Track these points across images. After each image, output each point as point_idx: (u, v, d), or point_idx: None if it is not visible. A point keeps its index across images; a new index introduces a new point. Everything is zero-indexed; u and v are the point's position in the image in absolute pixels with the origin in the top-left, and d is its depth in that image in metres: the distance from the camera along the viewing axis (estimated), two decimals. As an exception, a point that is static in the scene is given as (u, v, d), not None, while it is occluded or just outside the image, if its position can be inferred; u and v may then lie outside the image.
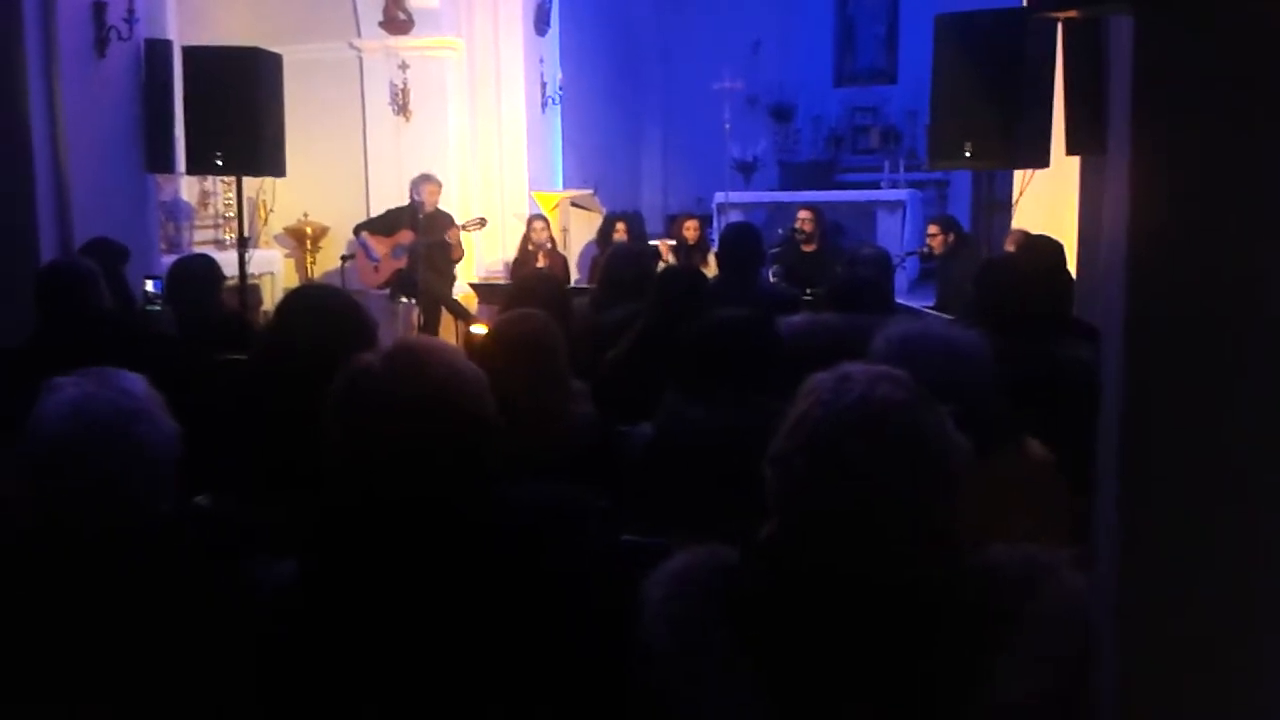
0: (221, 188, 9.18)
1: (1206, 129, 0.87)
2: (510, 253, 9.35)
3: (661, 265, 7.63)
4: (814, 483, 1.33)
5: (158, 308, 4.44)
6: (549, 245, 8.36)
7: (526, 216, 9.13)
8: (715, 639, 1.39)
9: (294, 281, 10.01)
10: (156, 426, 1.62)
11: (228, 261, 6.19)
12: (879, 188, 12.25)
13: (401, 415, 1.62)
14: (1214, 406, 0.92)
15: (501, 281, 8.89)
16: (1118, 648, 1.01)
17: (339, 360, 1.79)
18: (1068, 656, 1.31)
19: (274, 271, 9.71)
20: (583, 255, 9.24)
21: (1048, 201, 6.49)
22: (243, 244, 6.73)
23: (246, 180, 6.66)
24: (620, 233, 8.46)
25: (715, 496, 1.54)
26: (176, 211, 8.47)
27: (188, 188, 8.84)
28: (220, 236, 9.26)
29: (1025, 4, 5.28)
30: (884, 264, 4.18)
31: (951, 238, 7.47)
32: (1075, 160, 5.38)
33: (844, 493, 1.31)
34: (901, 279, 8.63)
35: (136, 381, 1.67)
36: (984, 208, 9.77)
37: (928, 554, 1.33)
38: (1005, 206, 6.56)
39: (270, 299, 9.50)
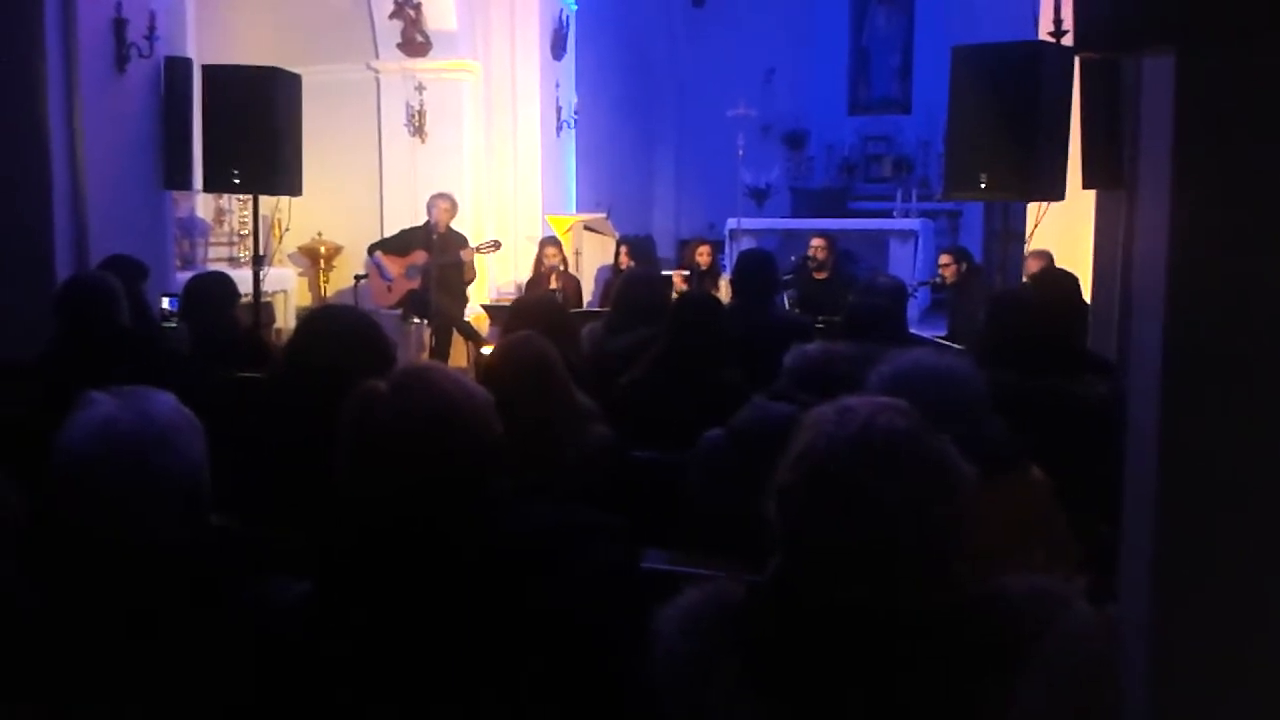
0: (237, 205, 9.23)
1: (1248, 165, 0.87)
2: (523, 275, 9.38)
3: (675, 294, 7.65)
4: (819, 515, 1.32)
5: (173, 325, 4.45)
6: (561, 268, 8.38)
7: (539, 239, 9.16)
8: (722, 676, 1.38)
9: (307, 300, 10.05)
10: (177, 453, 1.62)
11: (242, 279, 6.21)
12: (891, 217, 12.27)
13: (410, 439, 1.63)
14: (1253, 439, 0.91)
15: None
16: (1149, 675, 1.00)
17: (357, 381, 1.79)
18: (1082, 687, 1.30)
19: (287, 290, 9.75)
20: (598, 278, 9.27)
21: (1061, 234, 6.49)
22: (258, 262, 6.76)
23: (262, 198, 6.70)
24: (624, 257, 8.51)
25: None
26: (192, 228, 8.52)
27: (203, 205, 8.90)
28: (235, 254, 9.30)
29: (1053, 39, 5.30)
30: (899, 294, 4.17)
31: (964, 268, 7.47)
32: (1089, 193, 5.39)
33: (850, 524, 1.30)
34: (913, 308, 8.61)
35: (165, 404, 1.67)
36: (998, 239, 9.77)
37: (936, 584, 1.32)
38: (1019, 238, 6.56)
39: (283, 317, 9.55)
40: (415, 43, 9.67)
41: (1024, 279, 6.29)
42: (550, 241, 8.62)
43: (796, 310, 6.98)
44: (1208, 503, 0.95)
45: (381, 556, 1.68)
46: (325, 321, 2.78)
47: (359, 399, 1.69)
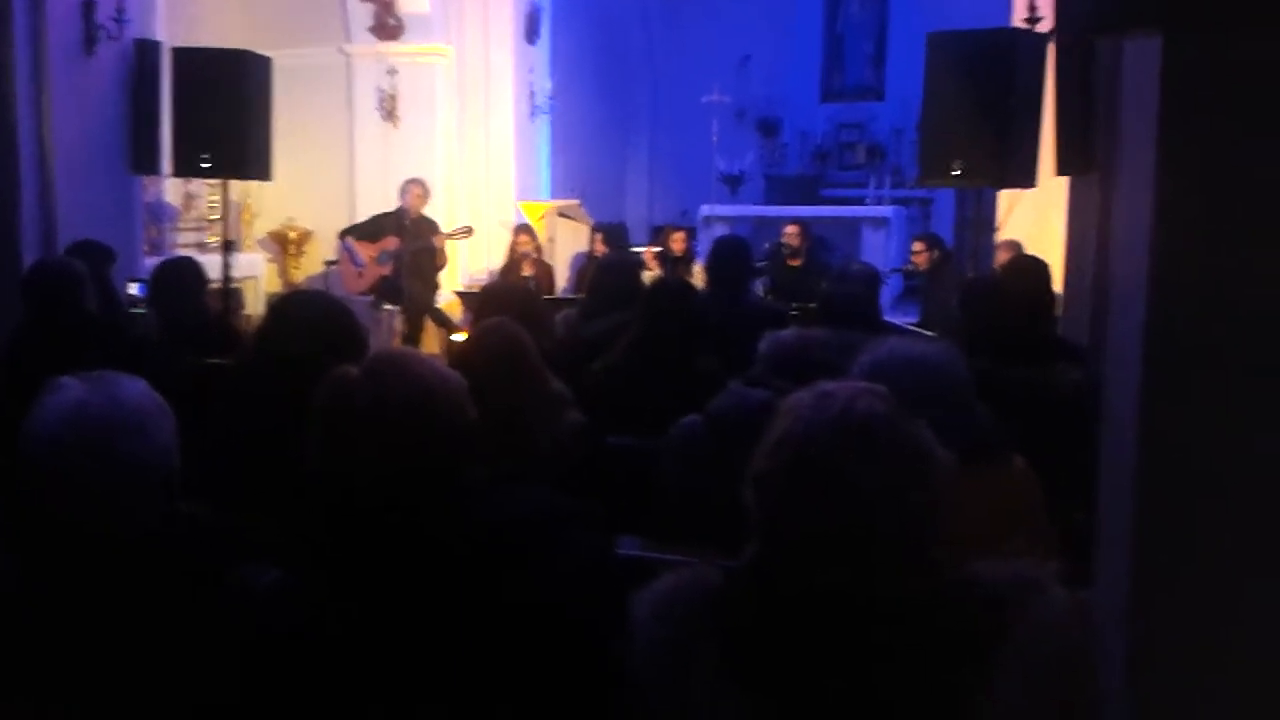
0: (206, 190, 9.13)
1: (1233, 147, 0.87)
2: (495, 261, 9.34)
3: (647, 274, 7.64)
4: (797, 500, 1.32)
5: (141, 311, 4.40)
6: (534, 255, 8.36)
7: (512, 225, 9.12)
8: (701, 662, 1.38)
9: (277, 286, 9.96)
10: (147, 438, 1.60)
11: (211, 265, 6.14)
12: (864, 204, 12.30)
13: (382, 425, 1.62)
14: (1232, 427, 0.91)
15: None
16: (1128, 662, 1.00)
17: (329, 367, 1.77)
18: (1057, 670, 1.31)
19: (257, 276, 9.65)
20: (572, 265, 9.24)
21: (1033, 221, 6.53)
22: (227, 248, 6.69)
23: (232, 183, 6.62)
24: (598, 244, 8.50)
25: None
26: (160, 213, 8.41)
27: (172, 189, 8.79)
28: (203, 239, 9.20)
29: (1027, 26, 5.31)
30: (872, 281, 4.19)
31: (936, 255, 7.50)
32: (1061, 180, 5.41)
33: (829, 509, 1.30)
34: (885, 295, 8.65)
35: (135, 389, 1.65)
36: (969, 226, 9.81)
37: (915, 569, 1.33)
38: (990, 225, 6.60)
39: (253, 303, 9.45)
40: (387, 26, 9.58)
41: (995, 266, 6.33)
42: (523, 229, 8.59)
43: (770, 297, 6.98)
44: (1186, 490, 0.95)
45: (356, 545, 1.67)
46: (296, 307, 2.75)
47: (331, 385, 1.67)
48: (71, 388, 1.61)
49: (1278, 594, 0.94)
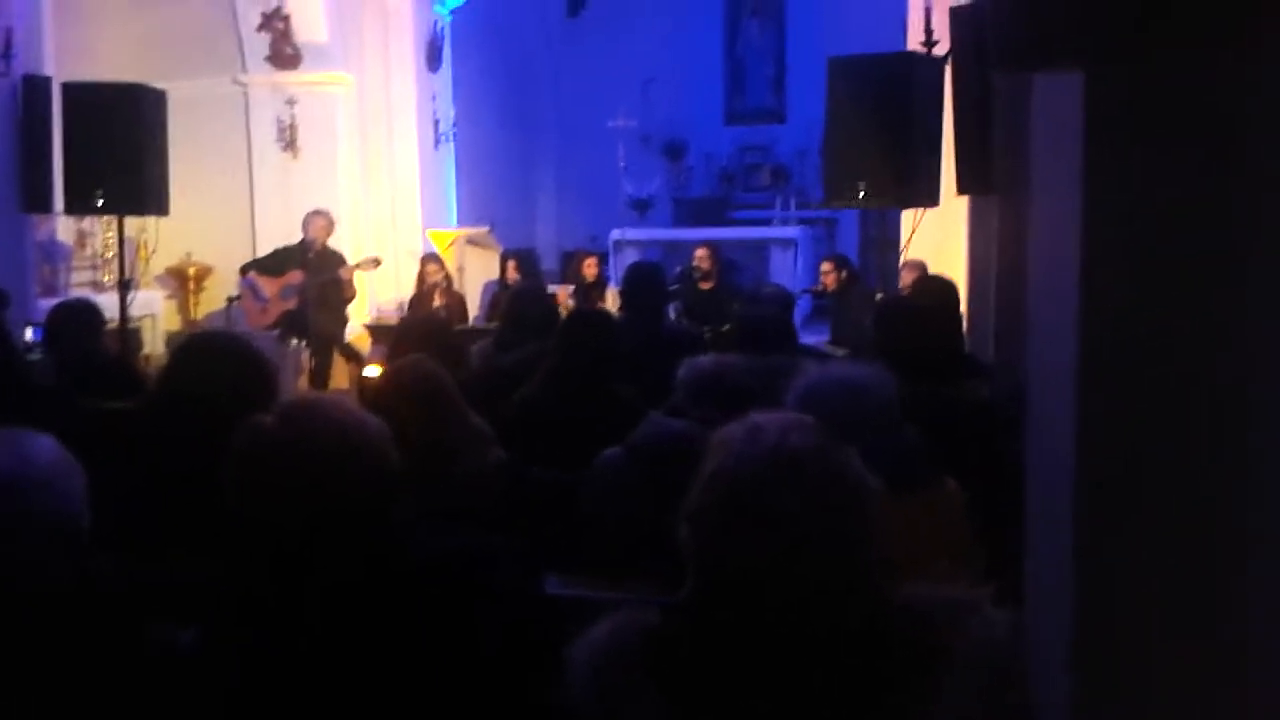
0: (100, 227, 8.85)
1: (1152, 174, 0.90)
2: (405, 292, 9.22)
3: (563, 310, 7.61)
4: (732, 536, 1.31)
5: (38, 356, 4.23)
6: (445, 284, 8.27)
7: (421, 255, 9.02)
8: (642, 707, 1.36)
9: (176, 324, 9.69)
10: (57, 497, 1.53)
11: (107, 304, 5.95)
12: (770, 225, 12.47)
13: (301, 474, 1.58)
14: (1170, 438, 0.93)
15: (396, 322, 8.74)
16: (1076, 686, 1.02)
17: (240, 410, 1.73)
18: (998, 691, 1.32)
19: (155, 314, 9.38)
20: (483, 294, 9.16)
21: (936, 240, 6.69)
22: (124, 286, 6.49)
23: (128, 219, 6.44)
24: (511, 271, 8.43)
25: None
26: (53, 253, 8.14)
27: (64, 227, 8.51)
28: (99, 278, 8.92)
29: (924, 50, 5.45)
30: (786, 303, 4.24)
31: (844, 275, 7.63)
32: (962, 200, 5.56)
33: (763, 544, 1.30)
34: (795, 315, 8.76)
35: (43, 447, 1.58)
36: (874, 245, 9.99)
37: (851, 600, 1.33)
38: (895, 244, 6.74)
39: (152, 343, 9.18)
40: (285, 55, 9.42)
41: (900, 287, 6.46)
42: (432, 258, 8.50)
43: (684, 321, 7.02)
44: (1126, 509, 0.97)
45: (278, 593, 1.62)
46: (201, 348, 2.67)
47: (245, 434, 1.63)
48: (-27, 446, 1.54)
49: (1219, 607, 0.97)
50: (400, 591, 1.62)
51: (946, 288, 4.57)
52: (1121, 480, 0.95)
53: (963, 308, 5.14)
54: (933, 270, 6.37)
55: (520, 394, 3.57)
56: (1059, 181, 0.99)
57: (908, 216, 6.09)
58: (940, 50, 5.35)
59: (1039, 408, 1.20)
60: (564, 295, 8.30)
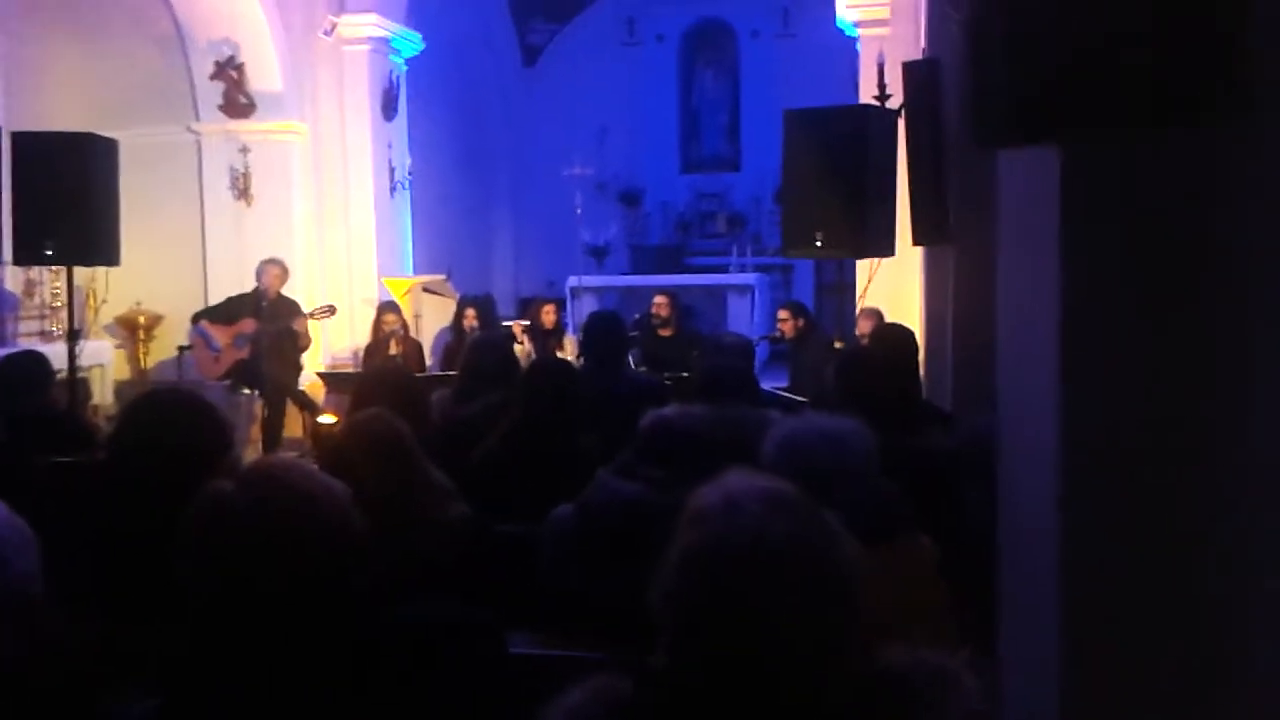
0: (49, 276, 8.70)
1: (1129, 249, 0.91)
2: (360, 340, 9.14)
3: (518, 348, 7.57)
4: (708, 622, 1.29)
5: (-17, 410, 4.14)
6: (402, 333, 8.21)
7: (376, 303, 8.96)
8: None
9: (126, 374, 9.53)
10: (7, 568, 1.48)
11: (55, 354, 5.85)
12: (727, 271, 12.55)
13: (262, 543, 1.54)
14: (1153, 512, 0.93)
15: (351, 370, 8.66)
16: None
17: (195, 468, 1.69)
18: None
19: (104, 363, 9.20)
20: (436, 342, 9.11)
21: (891, 288, 6.77)
22: (73, 336, 6.37)
23: (77, 268, 6.34)
24: (470, 318, 8.35)
25: (641, 577, 1.49)
26: (0, 302, 7.98)
27: (11, 277, 8.36)
28: (47, 327, 8.76)
29: (877, 103, 5.53)
30: (748, 352, 4.25)
31: (802, 323, 7.68)
32: (917, 249, 5.63)
33: (741, 633, 1.27)
34: (755, 362, 8.80)
35: (-7, 514, 1.53)
36: (829, 291, 10.04)
37: (831, 672, 1.30)
38: (851, 289, 6.80)
39: (100, 393, 9.00)
40: (238, 104, 9.39)
41: (857, 334, 6.51)
42: (389, 307, 8.44)
43: (643, 369, 7.01)
44: (1110, 574, 0.97)
45: (236, 663, 1.57)
46: (153, 405, 2.61)
47: (204, 503, 1.58)
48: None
49: (1217, 681, 0.96)
50: (362, 663, 1.58)
51: (905, 336, 4.60)
52: (1106, 555, 0.95)
53: (920, 355, 5.19)
54: (889, 318, 6.44)
55: (481, 446, 3.53)
56: (1031, 250, 1.00)
57: (864, 264, 6.16)
58: (893, 103, 5.44)
59: (1012, 475, 1.20)
60: (518, 330, 8.26)
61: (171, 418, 2.48)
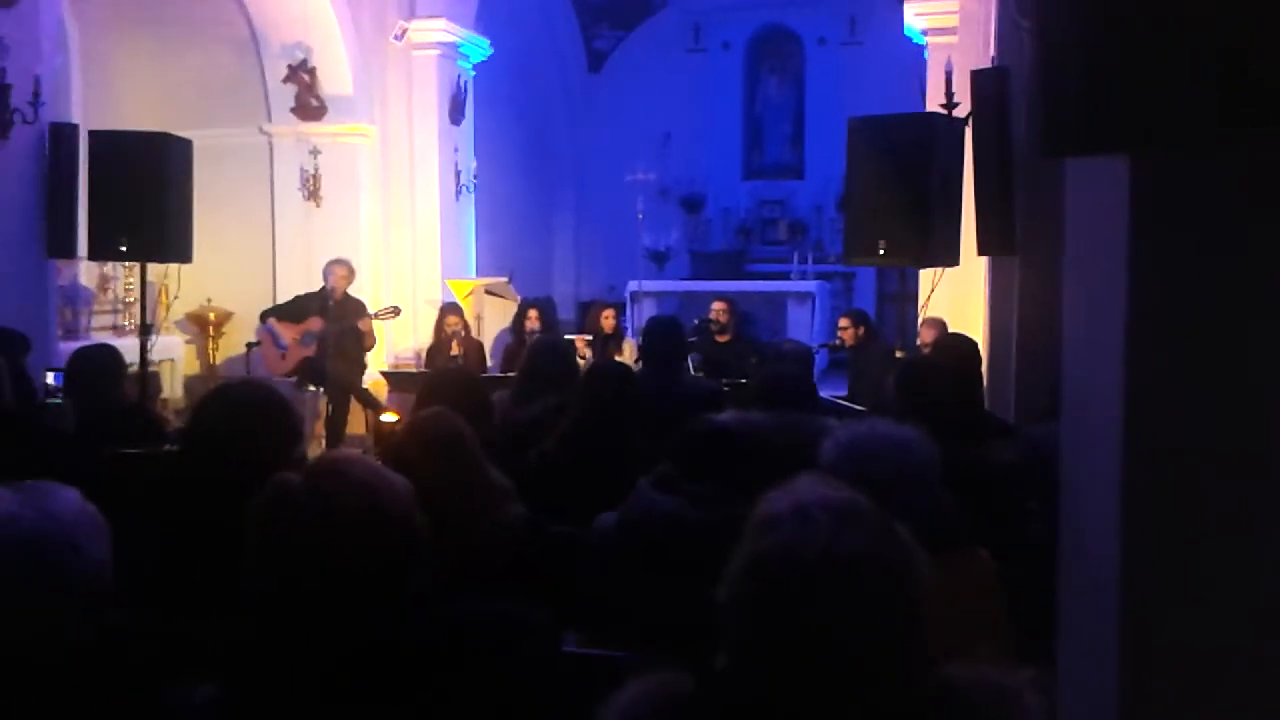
0: (122, 272, 8.93)
1: (1197, 259, 0.89)
2: (423, 340, 9.25)
3: (580, 360, 7.60)
4: (776, 632, 1.28)
5: (58, 400, 4.25)
6: (463, 334, 8.28)
7: (440, 304, 9.05)
8: None
9: (195, 369, 9.74)
10: (80, 555, 1.52)
11: (127, 348, 5.99)
12: (788, 278, 12.50)
13: (325, 536, 1.57)
14: (1224, 519, 0.92)
15: (413, 369, 8.76)
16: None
17: (266, 460, 1.72)
18: None
19: (175, 358, 9.44)
20: (496, 344, 9.17)
21: (954, 298, 6.69)
22: (144, 331, 6.53)
23: (150, 265, 6.49)
24: (533, 320, 8.38)
25: (680, 589, 1.49)
26: (75, 297, 8.21)
27: (86, 271, 8.59)
28: (120, 322, 8.98)
29: (944, 111, 5.48)
30: (805, 359, 4.23)
31: (862, 331, 7.62)
32: (981, 259, 5.56)
33: (807, 643, 1.26)
34: (814, 370, 8.75)
35: (69, 502, 1.56)
36: (891, 300, 9.96)
37: (893, 685, 1.29)
38: (913, 299, 6.74)
39: (170, 387, 9.22)
40: (310, 107, 9.56)
41: (919, 344, 6.45)
42: (451, 308, 8.52)
43: (701, 374, 7.00)
44: (1173, 596, 0.95)
45: (297, 657, 1.60)
46: (229, 397, 2.67)
47: (270, 494, 1.61)
48: (1, 499, 1.53)
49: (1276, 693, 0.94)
50: (419, 660, 1.60)
51: (968, 346, 4.55)
52: (1169, 573, 0.93)
53: (983, 366, 5.12)
54: (952, 328, 6.37)
55: (538, 448, 3.56)
56: (1098, 260, 0.98)
57: (926, 273, 6.10)
58: (961, 112, 5.38)
59: (1074, 490, 1.18)
60: (581, 344, 8.29)
61: (244, 410, 2.54)
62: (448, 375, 4.55)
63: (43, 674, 1.51)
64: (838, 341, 7.86)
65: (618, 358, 7.69)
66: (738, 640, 1.30)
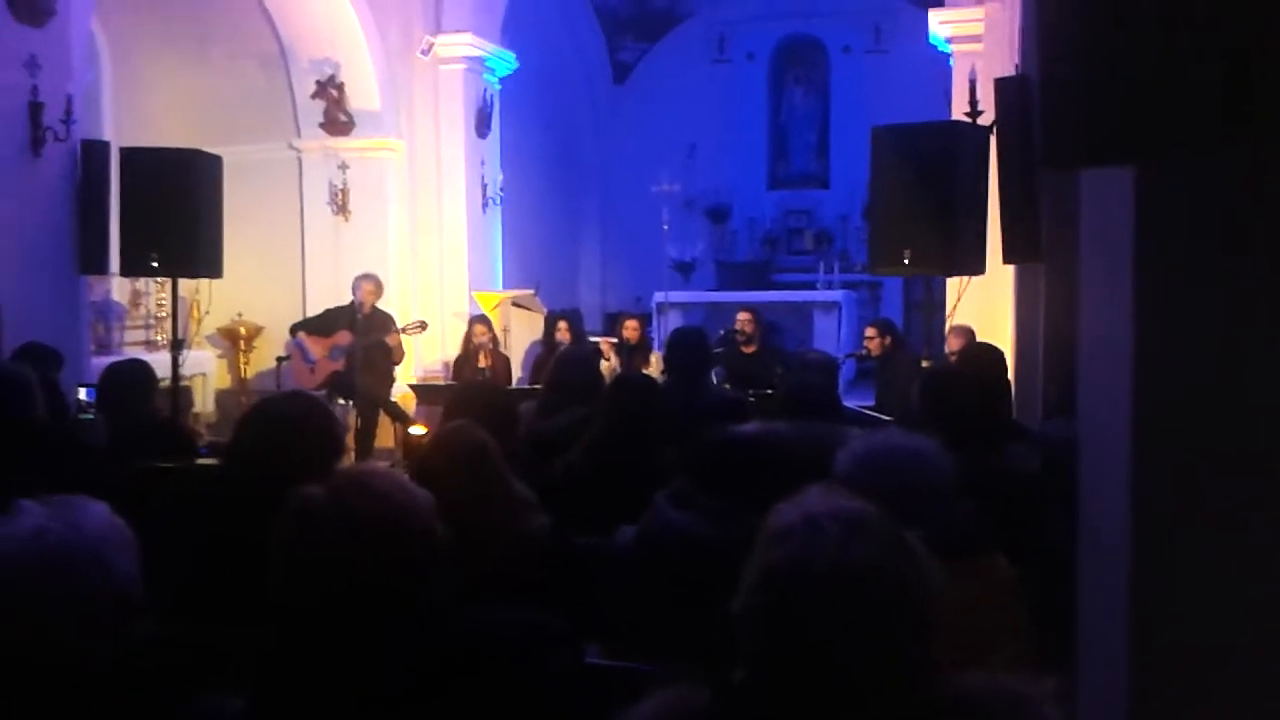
0: (154, 287, 9.05)
1: (1202, 268, 0.90)
2: (450, 352, 9.30)
3: (604, 364, 7.62)
4: (788, 644, 1.29)
5: (90, 416, 4.31)
6: (491, 346, 8.32)
7: (467, 316, 9.10)
8: None
9: (226, 383, 9.83)
10: (108, 567, 1.54)
11: (159, 363, 6.07)
12: (814, 288, 12.47)
13: (348, 549, 1.59)
14: (1231, 540, 0.92)
15: (441, 382, 8.81)
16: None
17: (306, 474, 1.74)
18: None
19: (206, 373, 9.54)
20: (526, 355, 9.21)
21: (982, 306, 6.65)
22: (176, 346, 6.61)
23: (181, 280, 6.58)
24: (563, 332, 8.41)
25: (696, 607, 1.49)
26: (107, 312, 8.32)
27: (118, 287, 8.70)
28: (152, 337, 9.09)
29: (969, 119, 5.46)
30: (830, 369, 4.23)
31: (889, 340, 7.59)
32: (1008, 267, 5.53)
33: (820, 656, 1.27)
34: (839, 380, 8.73)
35: (98, 516, 1.59)
36: (918, 309, 9.93)
37: (907, 694, 1.29)
38: (940, 307, 6.71)
39: (202, 401, 9.32)
40: (338, 122, 9.65)
41: (946, 352, 6.42)
42: (480, 319, 8.57)
43: (726, 386, 7.00)
44: (1182, 605, 0.95)
45: (321, 668, 1.62)
46: (269, 414, 2.70)
47: (294, 506, 1.63)
48: (30, 513, 1.55)
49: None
50: (441, 670, 1.61)
51: (994, 356, 4.53)
52: (1177, 579, 0.93)
53: (1010, 374, 5.09)
54: (980, 336, 6.34)
55: (563, 460, 3.57)
56: (1108, 269, 0.99)
57: (953, 281, 6.07)
58: (985, 120, 5.36)
59: (1090, 494, 1.18)
60: (607, 346, 8.31)
61: (285, 425, 2.58)
62: (473, 388, 4.57)
63: (72, 687, 1.54)
64: (864, 351, 7.84)
65: (644, 369, 7.70)
66: (752, 652, 1.31)
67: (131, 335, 8.95)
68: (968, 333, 6.43)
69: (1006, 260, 5.24)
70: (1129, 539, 0.97)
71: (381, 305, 8.51)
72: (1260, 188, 0.88)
